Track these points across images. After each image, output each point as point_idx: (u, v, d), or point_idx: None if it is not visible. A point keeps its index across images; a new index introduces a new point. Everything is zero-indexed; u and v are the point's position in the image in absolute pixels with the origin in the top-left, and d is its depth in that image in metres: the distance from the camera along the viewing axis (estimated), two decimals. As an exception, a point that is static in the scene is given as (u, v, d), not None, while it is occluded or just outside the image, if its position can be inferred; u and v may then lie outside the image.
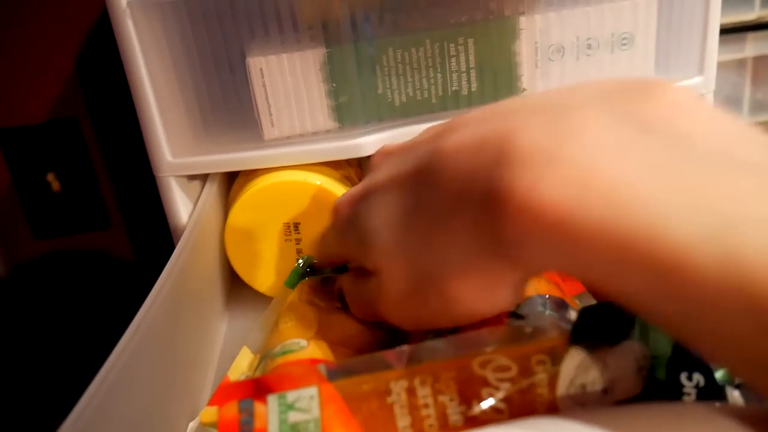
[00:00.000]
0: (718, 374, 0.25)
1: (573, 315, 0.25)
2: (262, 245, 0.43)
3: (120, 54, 0.40)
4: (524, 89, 0.42)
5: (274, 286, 0.44)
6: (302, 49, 0.39)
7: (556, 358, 0.21)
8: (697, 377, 0.21)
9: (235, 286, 0.46)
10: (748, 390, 0.22)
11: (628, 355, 0.21)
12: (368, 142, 0.42)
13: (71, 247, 0.72)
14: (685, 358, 0.21)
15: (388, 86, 0.41)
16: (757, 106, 0.74)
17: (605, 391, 0.21)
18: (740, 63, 0.71)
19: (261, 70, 0.40)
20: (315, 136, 0.42)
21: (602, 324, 0.22)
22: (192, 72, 0.40)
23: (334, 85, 0.40)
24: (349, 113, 0.41)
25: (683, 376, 0.21)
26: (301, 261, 0.39)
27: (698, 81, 0.45)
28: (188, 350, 0.36)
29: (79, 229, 0.71)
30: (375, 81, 0.41)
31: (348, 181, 0.45)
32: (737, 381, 0.23)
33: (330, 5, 0.39)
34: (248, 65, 0.40)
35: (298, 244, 0.43)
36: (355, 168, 0.49)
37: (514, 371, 0.21)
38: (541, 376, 0.21)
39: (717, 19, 0.44)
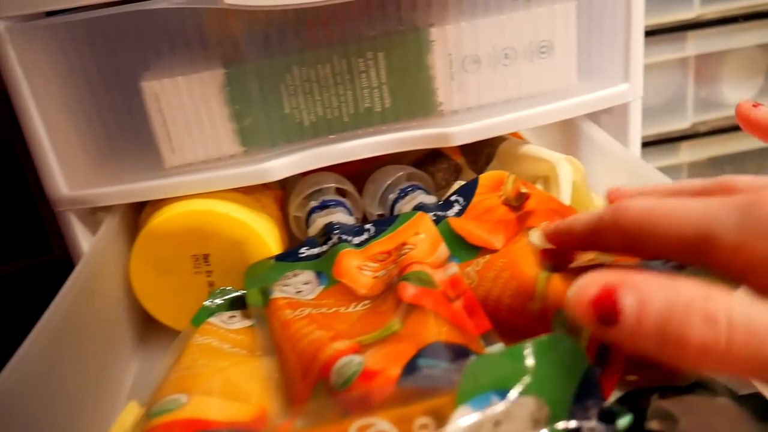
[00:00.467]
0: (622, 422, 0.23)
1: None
2: (170, 279, 0.41)
3: (4, 82, 0.37)
4: (441, 103, 0.40)
5: (185, 322, 0.41)
6: (199, 71, 0.37)
7: (441, 419, 0.19)
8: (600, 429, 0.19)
9: (154, 322, 0.43)
10: None
11: (522, 410, 0.19)
12: (277, 166, 0.39)
13: (11, 275, 0.69)
14: (587, 406, 0.19)
15: (294, 106, 0.39)
16: (702, 105, 0.73)
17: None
18: (682, 62, 0.70)
19: (156, 94, 0.37)
20: (220, 161, 0.39)
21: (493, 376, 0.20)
22: (82, 99, 0.38)
23: (236, 107, 0.38)
24: (254, 136, 0.39)
25: (585, 428, 0.19)
26: (211, 298, 0.36)
27: (624, 88, 0.43)
28: (85, 389, 0.33)
29: (18, 256, 0.68)
30: (280, 101, 0.39)
31: (263, 209, 0.43)
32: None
33: (226, 23, 0.37)
34: (142, 90, 0.37)
35: (209, 276, 0.41)
36: (275, 191, 0.46)
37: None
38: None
39: (640, 24, 0.42)
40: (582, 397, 0.20)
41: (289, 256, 0.37)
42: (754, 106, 0.31)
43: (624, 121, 0.45)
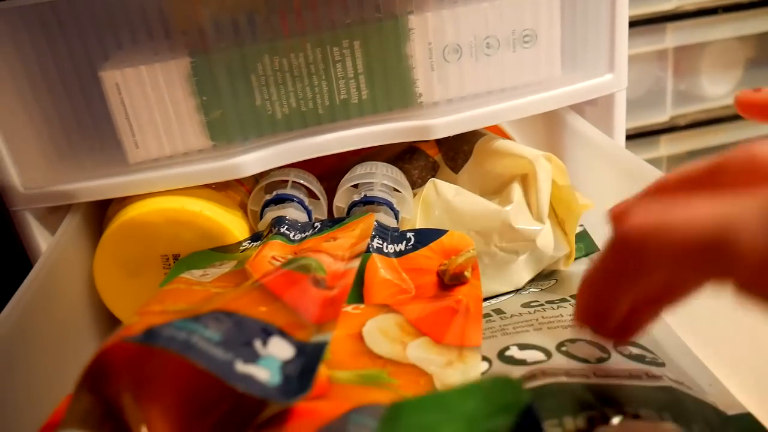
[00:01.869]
0: None
1: None
2: (139, 280, 0.38)
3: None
4: (420, 94, 0.38)
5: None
6: (163, 60, 0.35)
7: None
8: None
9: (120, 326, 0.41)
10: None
11: None
12: (248, 161, 0.37)
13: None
14: None
15: (266, 97, 0.37)
16: (681, 98, 0.72)
17: None
18: (661, 54, 0.69)
19: (117, 84, 0.35)
20: (188, 156, 0.37)
21: None
22: (37, 90, 0.35)
23: (203, 98, 0.36)
24: (224, 130, 0.37)
25: None
26: None
27: (609, 79, 0.42)
28: (43, 398, 0.31)
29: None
30: (251, 92, 0.36)
31: (235, 205, 0.40)
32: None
33: (192, 9, 0.34)
34: (102, 80, 0.35)
35: (178, 277, 0.38)
36: (248, 187, 0.44)
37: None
38: None
39: (625, 13, 0.41)
40: None
41: (229, 249, 0.35)
42: (755, 91, 0.29)
43: (609, 112, 0.43)
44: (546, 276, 0.42)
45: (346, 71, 0.37)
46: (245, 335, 0.23)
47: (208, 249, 0.38)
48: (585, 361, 0.28)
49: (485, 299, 0.40)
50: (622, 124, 0.44)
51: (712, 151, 0.75)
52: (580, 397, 0.25)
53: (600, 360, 0.28)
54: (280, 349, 0.23)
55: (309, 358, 0.23)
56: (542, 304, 0.36)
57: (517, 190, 0.40)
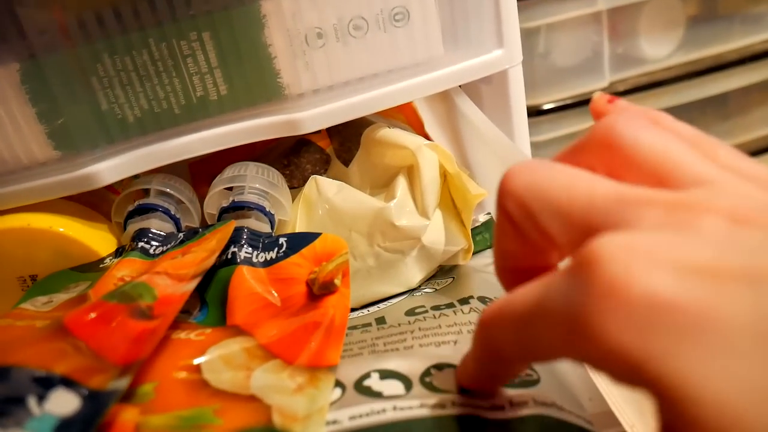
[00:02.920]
0: None
1: None
2: (-2, 305, 0.36)
3: None
4: (286, 86, 0.35)
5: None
6: (-12, 68, 0.32)
7: None
8: None
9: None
10: None
11: None
12: (101, 171, 0.34)
13: None
14: None
15: (113, 101, 0.34)
16: (620, 62, 0.69)
17: None
18: (595, 17, 0.65)
19: (-61, 98, 0.32)
20: (32, 170, 0.34)
21: None
22: None
23: (41, 107, 0.33)
24: (69, 138, 0.34)
25: None
26: None
27: (499, 54, 0.39)
28: None
29: None
30: (94, 96, 0.33)
31: (100, 217, 0.38)
32: None
33: (11, 11, 0.31)
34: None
35: (39, 300, 0.36)
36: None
37: None
38: None
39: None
40: None
41: (89, 267, 0.33)
42: (608, 102, 0.27)
43: (504, 90, 0.40)
44: (445, 272, 0.39)
45: (199, 66, 0.34)
46: (14, 390, 0.20)
47: (67, 269, 0.35)
48: (447, 392, 0.26)
49: (374, 303, 0.37)
50: (520, 102, 0.41)
51: (656, 115, 0.72)
52: None
53: (465, 390, 0.26)
54: (60, 404, 0.20)
55: (96, 409, 0.21)
56: (426, 311, 0.34)
57: (401, 184, 0.37)
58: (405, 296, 0.37)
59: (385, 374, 0.27)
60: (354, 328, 0.33)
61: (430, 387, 0.26)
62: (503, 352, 0.19)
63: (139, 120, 0.35)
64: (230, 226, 0.33)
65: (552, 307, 0.16)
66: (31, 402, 0.19)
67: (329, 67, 0.35)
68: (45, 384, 0.20)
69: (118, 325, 0.24)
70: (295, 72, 0.35)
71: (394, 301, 0.37)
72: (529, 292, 0.18)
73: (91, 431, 0.19)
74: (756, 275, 0.14)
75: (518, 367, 0.22)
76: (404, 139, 0.37)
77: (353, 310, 0.37)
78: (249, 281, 0.32)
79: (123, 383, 0.21)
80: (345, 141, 0.41)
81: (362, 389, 0.26)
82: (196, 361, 0.27)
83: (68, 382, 0.21)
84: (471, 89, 0.42)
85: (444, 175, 0.38)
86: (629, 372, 0.14)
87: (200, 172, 0.49)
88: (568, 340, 0.16)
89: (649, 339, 0.14)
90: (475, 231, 0.42)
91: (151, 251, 0.34)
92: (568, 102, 0.68)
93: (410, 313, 0.34)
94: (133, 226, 0.35)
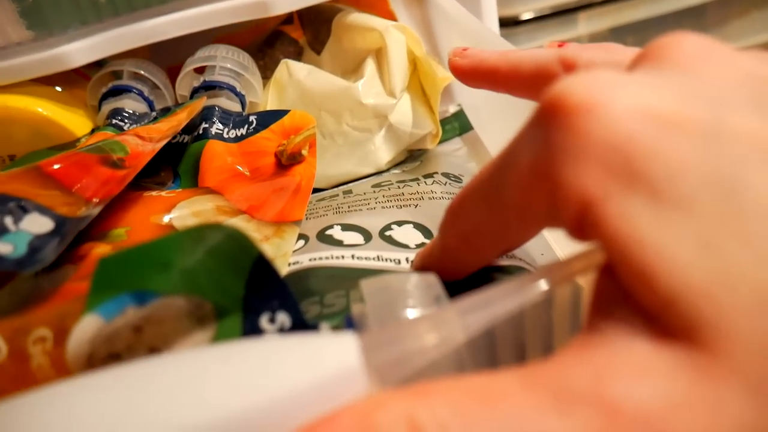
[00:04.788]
0: (311, 316, 0.21)
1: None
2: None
3: None
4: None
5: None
6: (-44, -58, 0.32)
7: (63, 331, 0.16)
8: (282, 318, 0.17)
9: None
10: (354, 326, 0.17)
11: (169, 310, 0.16)
12: (73, 51, 0.35)
13: None
14: (264, 296, 0.17)
15: (83, -21, 0.34)
16: None
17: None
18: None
19: None
20: (6, 49, 0.35)
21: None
22: None
23: (11, -17, 0.33)
24: (41, 18, 0.34)
25: (264, 319, 0.17)
26: None
27: None
28: None
29: None
30: (64, -26, 0.34)
31: (74, 99, 0.38)
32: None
33: None
34: None
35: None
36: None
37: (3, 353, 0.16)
38: (39, 360, 0.16)
39: None
40: (257, 286, 0.17)
41: (66, 147, 0.34)
42: (462, 50, 0.28)
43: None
44: (414, 157, 0.41)
45: (168, -56, 0.34)
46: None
47: (44, 148, 0.36)
48: (404, 246, 0.27)
49: (345, 183, 0.39)
50: (490, 1, 0.41)
51: (634, 26, 0.72)
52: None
53: (420, 246, 0.27)
54: (35, 224, 0.22)
55: (68, 229, 0.22)
56: (392, 184, 0.35)
57: (369, 65, 0.38)
58: (374, 176, 0.39)
59: (347, 227, 0.29)
60: (322, 199, 0.35)
61: (389, 240, 0.28)
62: (473, 235, 0.19)
63: (110, 1, 0.35)
64: (201, 101, 0.34)
65: (515, 159, 0.16)
66: (8, 220, 0.21)
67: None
68: (22, 209, 0.22)
69: (90, 170, 0.26)
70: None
71: (363, 180, 0.38)
72: (493, 161, 0.17)
73: (63, 245, 0.21)
74: (715, 127, 0.13)
75: (488, 251, 0.20)
76: (373, 21, 0.38)
77: (323, 189, 0.38)
78: (220, 154, 0.33)
79: (93, 211, 0.23)
80: (317, 31, 0.42)
81: (324, 237, 0.28)
82: (167, 215, 0.28)
83: (42, 209, 0.22)
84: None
85: (414, 61, 0.39)
86: (580, 213, 0.14)
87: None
88: (527, 185, 0.15)
89: (601, 179, 0.14)
90: (445, 121, 0.43)
91: (125, 128, 0.35)
92: (546, 12, 0.68)
93: (376, 186, 0.35)
94: (108, 107, 0.36)
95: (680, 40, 0.16)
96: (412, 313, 0.17)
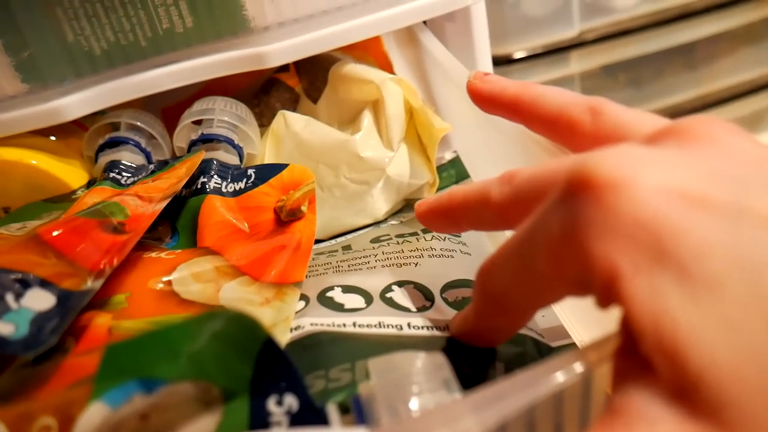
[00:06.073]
0: (316, 391, 0.20)
1: None
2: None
3: None
4: (252, 17, 0.36)
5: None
6: (-48, -2, 0.32)
7: (69, 419, 0.16)
8: (289, 401, 0.16)
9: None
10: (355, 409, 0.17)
11: (176, 397, 0.16)
12: (69, 104, 0.35)
13: None
14: (272, 378, 0.16)
15: (79, 33, 0.34)
16: (589, 11, 0.69)
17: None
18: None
19: None
20: (1, 103, 0.34)
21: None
22: None
23: (7, 38, 0.33)
24: (36, 71, 0.34)
25: (271, 402, 0.16)
26: None
27: None
28: None
29: None
30: (60, 28, 0.34)
31: (70, 151, 0.38)
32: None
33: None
34: None
35: (11, 233, 0.36)
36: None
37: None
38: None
39: None
40: (265, 368, 0.17)
41: (62, 198, 0.33)
42: (484, 74, 0.28)
43: (467, 28, 0.41)
44: (411, 207, 0.41)
45: (165, -2, 0.34)
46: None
47: (39, 200, 0.36)
48: (406, 309, 0.27)
49: (341, 235, 0.38)
50: (484, 43, 0.42)
51: (626, 64, 0.73)
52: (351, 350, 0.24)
53: (422, 309, 0.27)
54: (36, 301, 0.22)
55: (71, 305, 0.22)
56: (390, 238, 0.35)
57: (367, 117, 0.38)
58: (371, 228, 0.38)
59: (347, 289, 0.29)
60: (321, 254, 0.34)
61: (390, 303, 0.28)
62: (503, 298, 0.19)
63: (106, 53, 0.35)
64: (200, 155, 0.34)
65: (545, 230, 0.16)
66: (9, 298, 0.20)
67: (294, 1, 0.36)
68: (23, 284, 0.21)
69: (90, 237, 0.25)
70: (259, 4, 0.35)
71: (360, 232, 0.38)
72: (521, 229, 0.18)
73: (66, 323, 0.20)
74: (739, 209, 0.14)
75: (519, 314, 0.21)
76: (370, 73, 0.38)
77: (321, 241, 0.38)
78: (218, 209, 0.33)
79: (96, 285, 0.22)
80: (313, 80, 0.42)
81: (325, 300, 0.27)
82: (166, 277, 0.28)
83: (44, 283, 0.22)
84: (436, 28, 0.43)
85: (410, 112, 0.39)
86: (608, 285, 0.14)
87: (173, 117, 0.49)
88: (557, 256, 0.16)
89: (630, 254, 0.14)
90: (441, 168, 0.43)
91: (123, 181, 0.35)
92: (539, 51, 0.69)
93: (375, 240, 0.35)
94: (105, 159, 0.36)
95: (707, 123, 0.16)
96: (421, 399, 0.17)
